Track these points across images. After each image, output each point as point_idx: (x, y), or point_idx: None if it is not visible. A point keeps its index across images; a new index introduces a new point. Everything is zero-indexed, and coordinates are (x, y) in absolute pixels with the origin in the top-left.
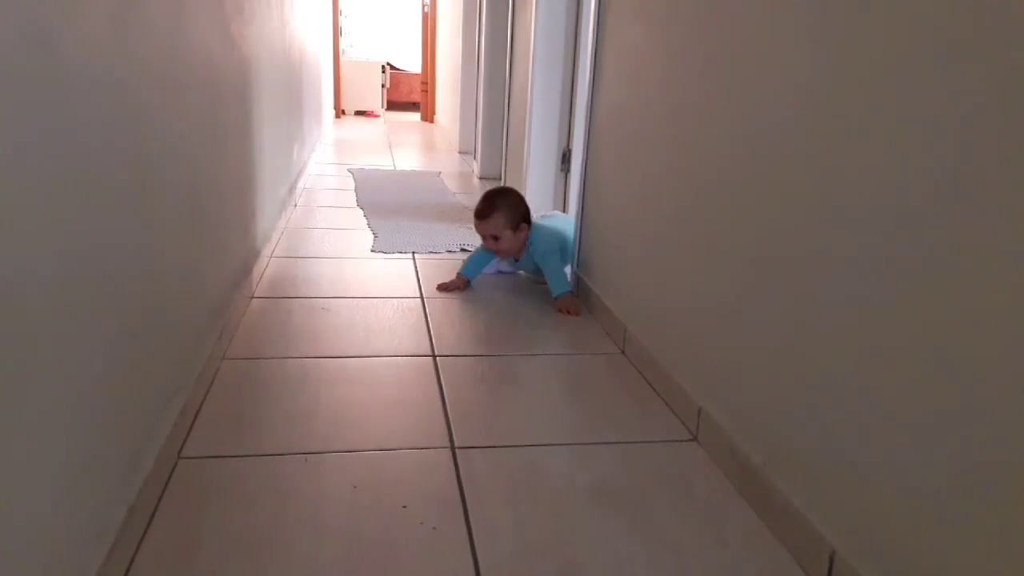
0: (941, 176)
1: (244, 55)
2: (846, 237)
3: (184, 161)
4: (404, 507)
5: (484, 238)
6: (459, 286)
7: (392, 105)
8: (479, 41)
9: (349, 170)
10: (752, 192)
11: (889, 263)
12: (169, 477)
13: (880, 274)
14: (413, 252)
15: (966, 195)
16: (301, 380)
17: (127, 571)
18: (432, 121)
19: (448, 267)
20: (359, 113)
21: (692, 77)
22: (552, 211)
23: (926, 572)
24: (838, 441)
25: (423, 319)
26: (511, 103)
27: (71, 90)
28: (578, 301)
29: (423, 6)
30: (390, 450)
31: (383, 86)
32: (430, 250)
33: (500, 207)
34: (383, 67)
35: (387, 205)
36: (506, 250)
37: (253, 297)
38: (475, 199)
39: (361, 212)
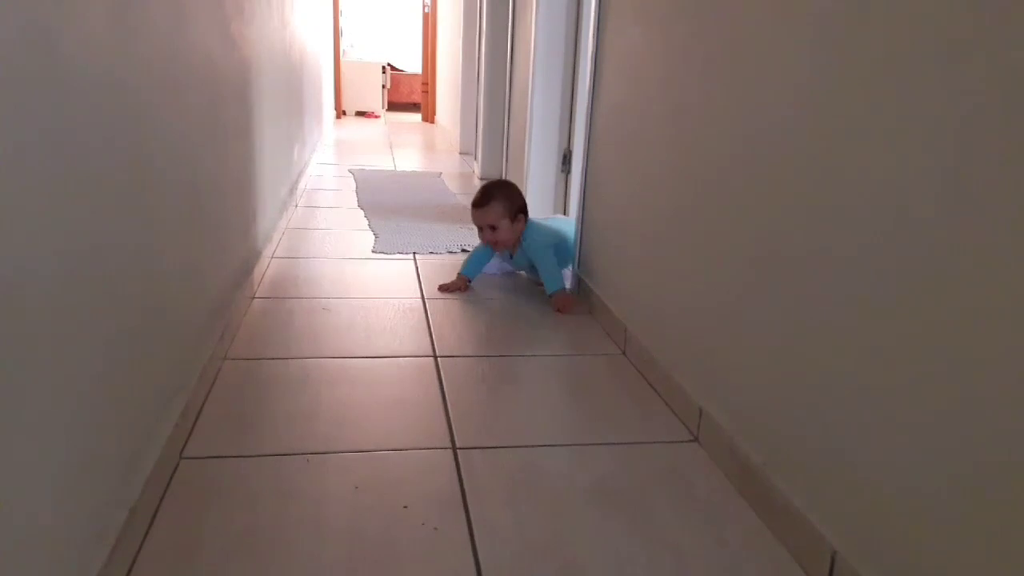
0: (941, 176)
1: (244, 55)
2: (846, 237)
3: (184, 161)
4: (405, 507)
5: (481, 229)
6: (460, 286)
7: (393, 106)
8: (480, 42)
9: (350, 171)
10: (752, 192)
11: (889, 263)
12: (171, 477)
13: (880, 274)
14: (414, 253)
15: (966, 195)
16: (302, 380)
17: (128, 572)
18: (433, 122)
19: (449, 267)
20: (360, 114)
21: (692, 77)
22: (554, 215)
23: (926, 572)
24: (838, 441)
25: (424, 319)
26: (512, 104)
27: (71, 90)
28: (573, 298)
29: (423, 6)
30: (391, 450)
31: (384, 87)
32: (431, 250)
33: (498, 196)
34: (384, 68)
35: (388, 206)
36: (504, 241)
37: (254, 297)
38: None
39: (362, 213)
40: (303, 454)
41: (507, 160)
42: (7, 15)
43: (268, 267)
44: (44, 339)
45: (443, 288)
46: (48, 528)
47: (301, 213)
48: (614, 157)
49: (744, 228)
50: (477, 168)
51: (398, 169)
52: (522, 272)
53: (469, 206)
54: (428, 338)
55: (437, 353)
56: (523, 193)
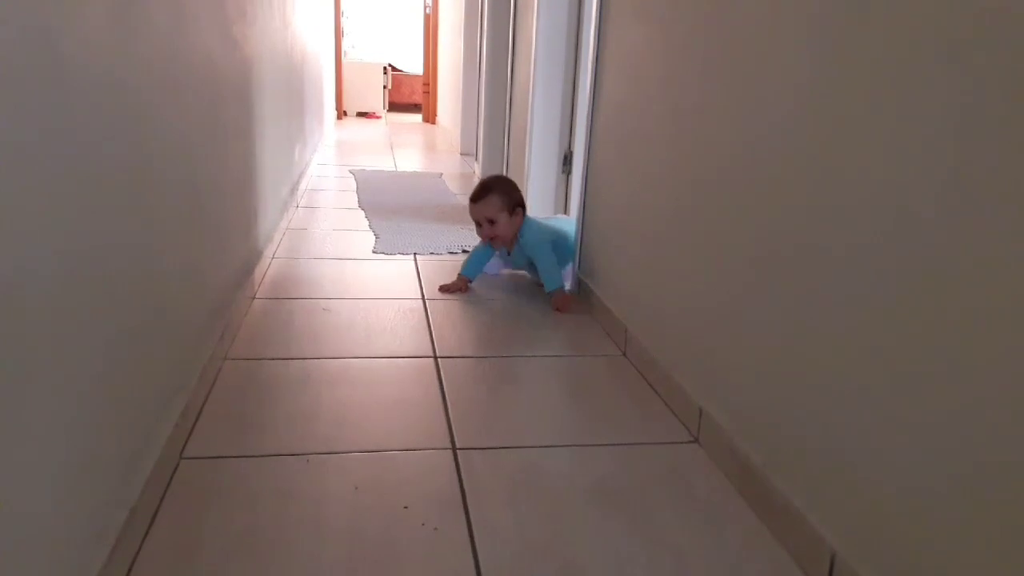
0: (941, 176)
1: (246, 56)
2: (846, 237)
3: (185, 161)
4: (405, 508)
5: (479, 224)
6: (460, 287)
7: (394, 106)
8: (481, 42)
9: (351, 171)
10: (752, 192)
11: (889, 263)
12: (171, 477)
13: (880, 274)
14: (414, 253)
15: (966, 195)
16: (303, 381)
17: (128, 571)
18: (434, 122)
19: (449, 268)
20: (361, 114)
21: (693, 77)
22: (555, 215)
23: (926, 573)
24: (838, 441)
25: (424, 320)
26: (513, 104)
27: (71, 90)
28: (572, 297)
29: (425, 7)
30: (392, 451)
31: (385, 87)
32: (431, 251)
33: (495, 189)
34: (385, 68)
35: (388, 206)
36: (502, 235)
37: (255, 298)
38: None
39: (363, 213)
40: (303, 454)
41: (508, 161)
42: (7, 15)
43: (269, 267)
44: (44, 339)
45: (443, 289)
46: (48, 528)
47: (302, 213)
48: (615, 157)
49: (744, 228)
50: (478, 169)
51: (399, 170)
52: (522, 271)
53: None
54: (428, 339)
55: (437, 354)
56: (524, 194)
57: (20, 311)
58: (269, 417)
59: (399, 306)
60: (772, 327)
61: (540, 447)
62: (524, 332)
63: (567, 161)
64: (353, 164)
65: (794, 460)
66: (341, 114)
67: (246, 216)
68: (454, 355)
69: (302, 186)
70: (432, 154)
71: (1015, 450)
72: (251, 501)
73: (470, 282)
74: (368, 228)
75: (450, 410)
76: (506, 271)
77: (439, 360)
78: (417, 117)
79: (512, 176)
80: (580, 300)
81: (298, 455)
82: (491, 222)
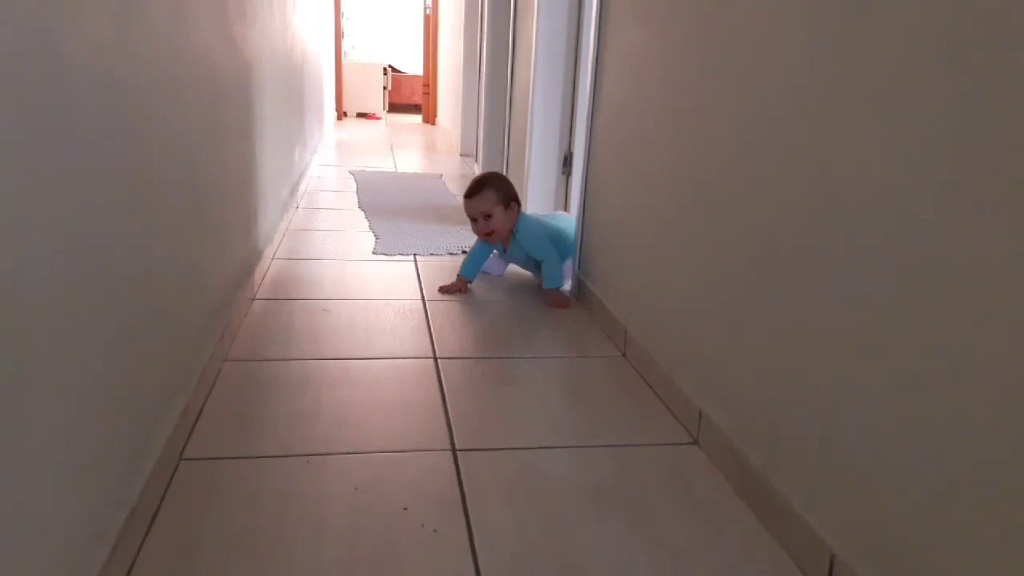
0: (941, 176)
1: (246, 57)
2: (846, 237)
3: (185, 161)
4: (405, 509)
5: (474, 221)
6: (460, 288)
7: (394, 107)
8: (481, 43)
9: (351, 172)
10: (752, 193)
11: (889, 263)
12: (171, 478)
13: (880, 274)
14: (414, 254)
15: (966, 195)
16: (303, 382)
17: (128, 572)
18: (434, 123)
19: (449, 269)
20: (361, 115)
21: (692, 78)
22: (555, 211)
23: (926, 573)
24: (838, 443)
25: (424, 321)
26: (513, 106)
27: (71, 90)
28: (565, 298)
29: (425, 8)
30: (391, 452)
31: (385, 88)
32: (431, 252)
33: (489, 184)
34: (385, 69)
35: (388, 207)
36: (499, 230)
37: (255, 298)
38: None
39: (362, 214)
40: (303, 455)
41: (508, 162)
42: (7, 15)
43: (269, 268)
44: (44, 339)
45: (443, 290)
46: (48, 528)
47: (302, 214)
48: (615, 158)
49: (744, 229)
50: (478, 170)
51: (399, 171)
52: (517, 263)
53: None
54: (428, 340)
55: (437, 355)
56: (524, 195)
57: (20, 311)
58: (269, 418)
59: (399, 307)
60: (772, 328)
61: (540, 448)
62: (524, 333)
63: (567, 162)
64: (353, 165)
65: (794, 461)
66: (341, 115)
67: (246, 216)
68: (454, 356)
69: (302, 187)
70: (432, 155)
71: (1015, 450)
72: (251, 501)
73: (469, 283)
74: (368, 229)
75: (450, 411)
76: (501, 271)
77: (439, 361)
78: (417, 118)
79: (512, 177)
80: (578, 301)
81: (298, 456)
82: (487, 217)
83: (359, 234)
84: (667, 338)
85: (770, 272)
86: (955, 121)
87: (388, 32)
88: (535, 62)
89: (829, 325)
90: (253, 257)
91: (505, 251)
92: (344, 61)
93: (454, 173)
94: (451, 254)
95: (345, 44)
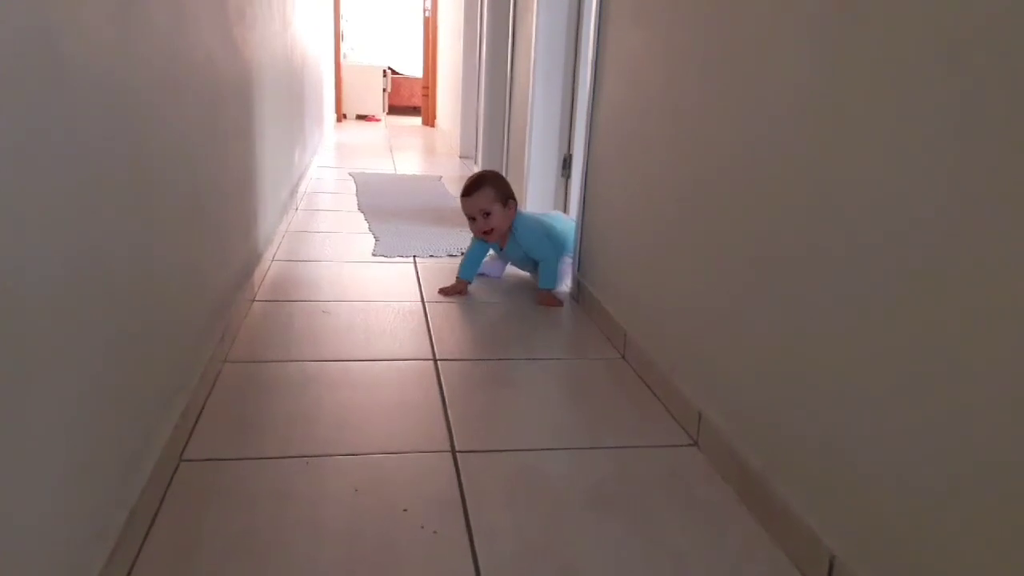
0: (941, 176)
1: (245, 59)
2: (846, 238)
3: (185, 162)
4: (405, 510)
5: (473, 219)
6: (459, 290)
7: (393, 109)
8: (480, 45)
9: (350, 174)
10: (752, 194)
11: (889, 264)
12: (171, 479)
13: (880, 275)
14: (414, 256)
15: (967, 195)
16: (302, 383)
17: (128, 572)
18: (433, 125)
19: (449, 271)
20: (360, 117)
21: (692, 80)
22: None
23: (925, 575)
24: (838, 444)
25: (424, 323)
26: (512, 107)
27: (71, 90)
28: (557, 299)
29: (424, 10)
30: (391, 453)
31: (384, 90)
32: (431, 254)
33: (487, 182)
34: (384, 71)
35: (388, 209)
36: (498, 227)
37: (254, 300)
38: None
39: (362, 216)
40: (303, 457)
41: (507, 164)
42: (7, 15)
43: (268, 269)
44: (44, 339)
45: (443, 292)
46: (49, 528)
47: (302, 216)
48: (614, 160)
49: (743, 230)
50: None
51: (398, 172)
52: (514, 262)
53: None
54: (428, 341)
55: (437, 356)
56: (523, 197)
57: (20, 311)
58: (269, 419)
59: (398, 309)
60: (771, 329)
61: (539, 450)
62: (523, 335)
63: (566, 164)
64: (352, 167)
65: (793, 463)
66: (340, 117)
67: (246, 218)
68: (453, 358)
69: (301, 189)
70: (431, 157)
71: (1015, 450)
72: (251, 503)
73: (468, 284)
74: (367, 231)
75: (449, 413)
76: (499, 272)
77: (438, 363)
78: (416, 120)
79: (511, 179)
80: (577, 302)
81: (298, 457)
82: (486, 215)
83: (358, 236)
84: (666, 339)
85: (770, 273)
86: (955, 121)
87: (387, 34)
88: (534, 64)
89: (829, 326)
90: (252, 259)
91: (502, 249)
92: (343, 63)
93: (453, 175)
94: (451, 256)
95: (344, 46)
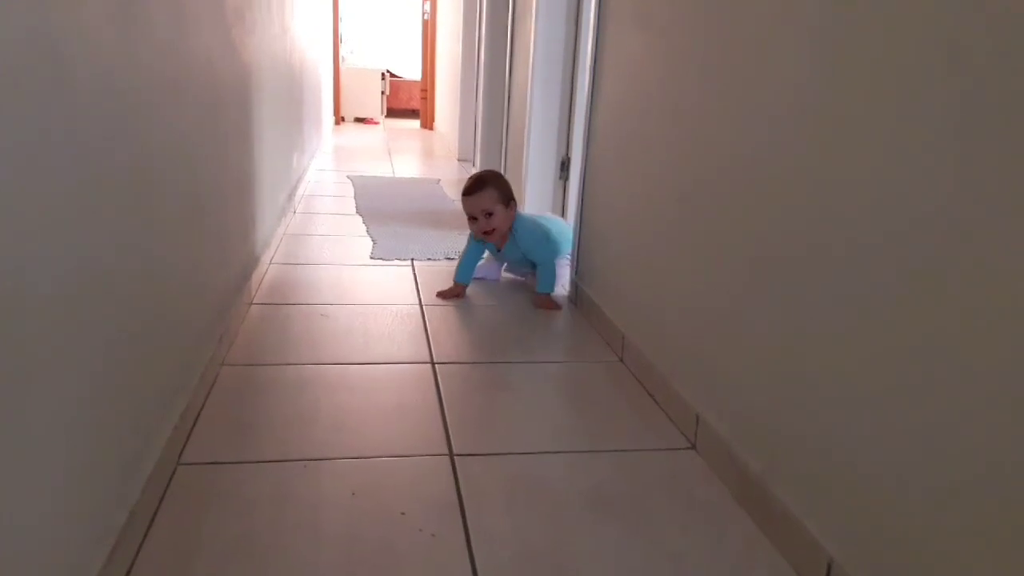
0: (941, 177)
1: (245, 61)
2: (846, 238)
3: (185, 163)
4: (403, 514)
5: (474, 219)
6: (457, 293)
7: (392, 112)
8: (479, 49)
9: (348, 177)
10: (751, 196)
11: (889, 264)
12: (169, 481)
13: (880, 276)
14: (412, 259)
15: (967, 196)
16: (300, 386)
17: (127, 573)
18: (431, 128)
19: (447, 274)
20: (359, 120)
21: (691, 81)
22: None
23: None
24: (837, 447)
25: (422, 326)
26: (510, 111)
27: (72, 91)
28: (554, 303)
29: (423, 13)
30: (389, 457)
31: (383, 93)
32: (429, 257)
33: (490, 182)
34: (383, 74)
35: (386, 212)
36: (500, 227)
37: (252, 303)
38: None
39: (360, 219)
40: (301, 460)
41: (506, 167)
42: (7, 16)
43: (267, 272)
44: (44, 340)
45: (441, 295)
46: (48, 530)
47: (300, 219)
48: (613, 160)
49: (743, 231)
50: None
51: (396, 175)
52: (510, 263)
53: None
54: (426, 344)
55: (435, 359)
56: (521, 200)
57: (20, 312)
58: (267, 422)
59: (396, 312)
60: (771, 330)
61: (537, 453)
62: (521, 338)
63: (564, 167)
64: (351, 170)
65: (792, 467)
66: (339, 120)
67: (245, 220)
68: (451, 361)
69: (300, 192)
70: (430, 160)
71: (1015, 451)
72: (249, 506)
73: (465, 287)
74: (366, 234)
75: (447, 416)
76: (501, 274)
77: (436, 366)
78: (415, 123)
79: (510, 181)
80: (576, 305)
81: (296, 460)
82: (488, 215)
83: (356, 239)
84: (665, 342)
85: (769, 274)
86: (955, 121)
87: (386, 37)
88: (533, 66)
89: (828, 328)
90: (251, 261)
91: (499, 251)
92: (342, 66)
93: (452, 178)
94: (448, 259)
95: (343, 49)
